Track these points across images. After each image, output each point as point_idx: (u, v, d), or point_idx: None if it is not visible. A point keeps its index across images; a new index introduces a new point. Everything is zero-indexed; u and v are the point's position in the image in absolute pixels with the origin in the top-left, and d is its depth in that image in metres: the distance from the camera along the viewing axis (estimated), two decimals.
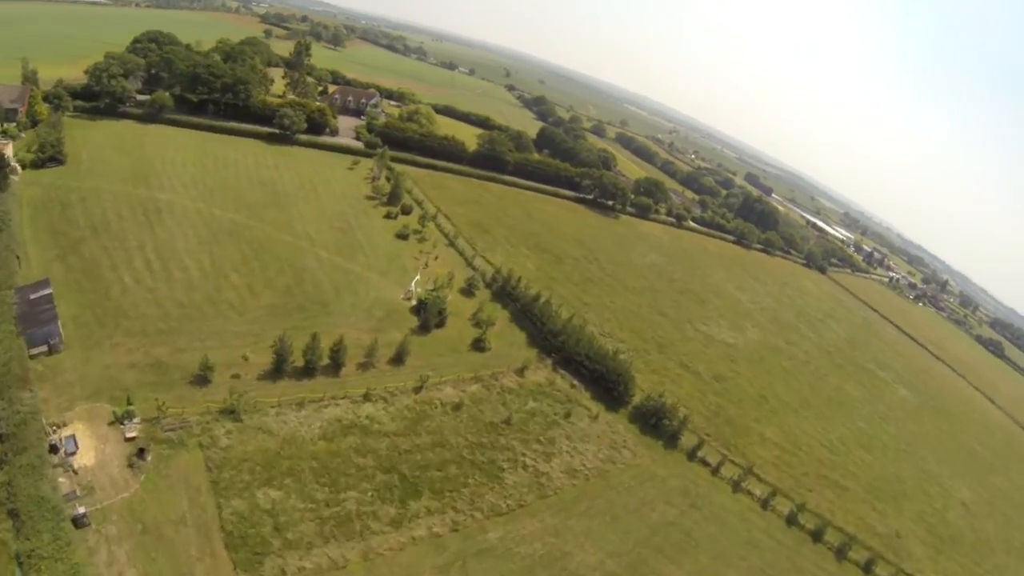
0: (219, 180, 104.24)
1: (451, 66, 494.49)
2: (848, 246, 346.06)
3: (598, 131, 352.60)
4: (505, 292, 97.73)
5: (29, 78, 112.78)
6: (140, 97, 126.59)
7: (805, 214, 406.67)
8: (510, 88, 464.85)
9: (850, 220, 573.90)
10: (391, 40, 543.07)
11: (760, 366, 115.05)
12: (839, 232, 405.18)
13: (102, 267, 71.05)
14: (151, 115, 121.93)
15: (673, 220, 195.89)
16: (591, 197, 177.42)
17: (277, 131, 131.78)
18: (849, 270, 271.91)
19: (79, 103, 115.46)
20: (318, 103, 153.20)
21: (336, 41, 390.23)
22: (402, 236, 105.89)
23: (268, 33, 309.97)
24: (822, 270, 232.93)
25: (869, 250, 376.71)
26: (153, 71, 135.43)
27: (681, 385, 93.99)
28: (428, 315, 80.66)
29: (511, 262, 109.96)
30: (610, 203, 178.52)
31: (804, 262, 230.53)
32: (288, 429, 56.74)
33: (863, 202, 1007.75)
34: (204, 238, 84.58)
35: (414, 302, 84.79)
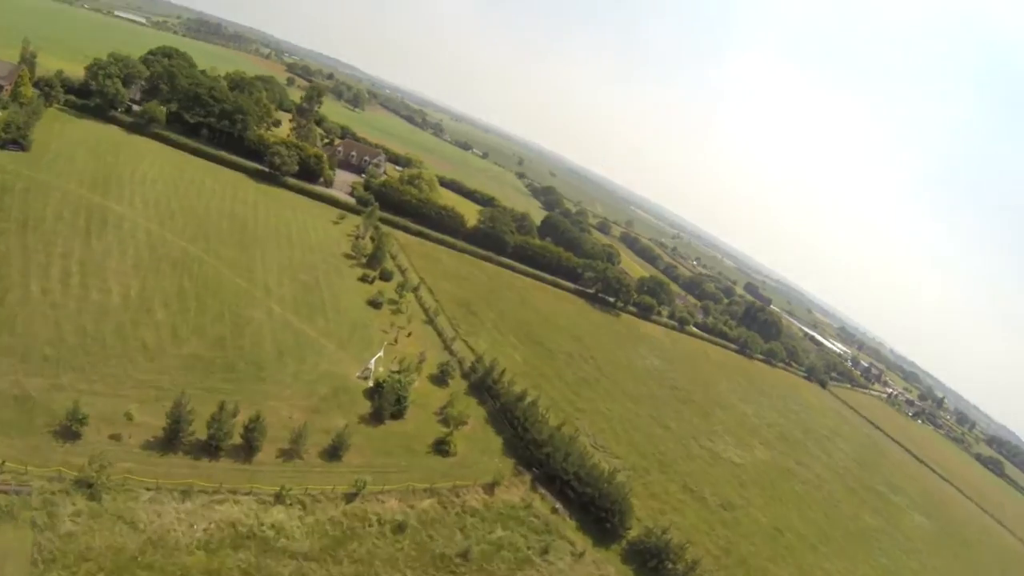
0: (185, 205, 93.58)
1: (465, 146, 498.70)
2: (846, 360, 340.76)
3: (603, 228, 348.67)
4: (484, 386, 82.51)
5: (26, 60, 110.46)
6: (136, 108, 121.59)
7: (803, 326, 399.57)
8: (520, 176, 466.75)
9: (846, 334, 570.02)
10: (411, 112, 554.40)
11: (772, 491, 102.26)
12: (836, 346, 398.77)
13: (12, 267, 60.89)
14: (139, 126, 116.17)
15: (675, 323, 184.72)
16: (592, 291, 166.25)
17: (266, 169, 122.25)
18: (849, 384, 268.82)
19: (71, 98, 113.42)
20: (315, 149, 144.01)
21: (356, 102, 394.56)
22: (375, 304, 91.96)
23: (291, 81, 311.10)
24: (823, 384, 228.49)
25: (866, 365, 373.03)
26: (155, 82, 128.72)
27: (685, 514, 78.54)
28: (384, 401, 65.33)
29: (496, 351, 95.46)
30: (612, 299, 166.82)
31: (805, 375, 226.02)
32: (159, 525, 41.49)
33: (856, 316, 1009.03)
34: (143, 262, 73.25)
35: (371, 383, 69.64)
